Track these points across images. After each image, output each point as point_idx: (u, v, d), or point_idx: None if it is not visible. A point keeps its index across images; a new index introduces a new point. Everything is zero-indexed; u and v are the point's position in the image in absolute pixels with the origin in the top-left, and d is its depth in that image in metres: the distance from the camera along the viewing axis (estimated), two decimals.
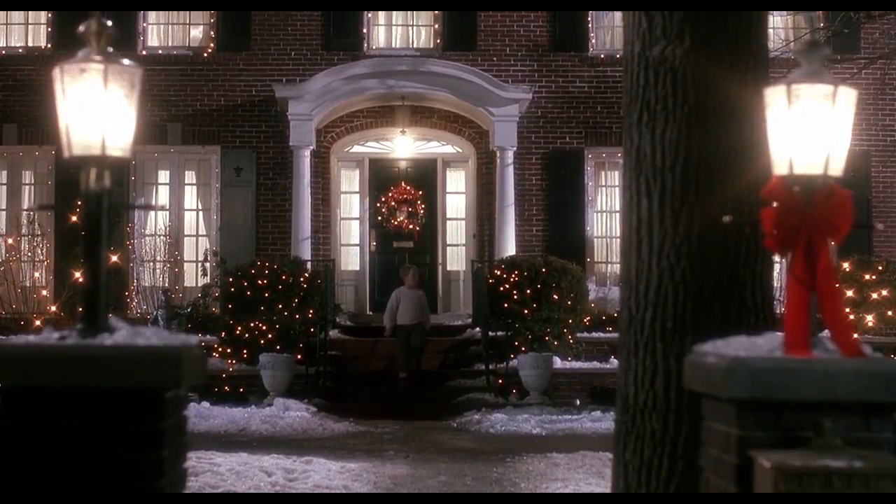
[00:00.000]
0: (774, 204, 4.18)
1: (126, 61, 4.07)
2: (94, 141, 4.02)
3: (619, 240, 20.61)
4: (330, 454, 11.83)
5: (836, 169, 4.11)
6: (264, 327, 17.72)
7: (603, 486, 9.64)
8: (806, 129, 4.09)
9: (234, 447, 12.18)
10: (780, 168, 4.21)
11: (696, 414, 4.79)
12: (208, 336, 18.23)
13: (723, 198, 5.31)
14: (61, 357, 3.76)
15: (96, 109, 4.00)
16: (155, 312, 17.50)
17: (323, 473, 10.14)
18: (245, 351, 17.67)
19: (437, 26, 21.19)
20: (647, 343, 5.29)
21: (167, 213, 21.07)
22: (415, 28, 21.47)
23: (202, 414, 15.21)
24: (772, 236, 4.14)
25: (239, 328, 17.87)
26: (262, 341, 17.56)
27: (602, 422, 14.97)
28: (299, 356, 17.46)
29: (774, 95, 4.18)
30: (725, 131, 5.38)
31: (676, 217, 5.30)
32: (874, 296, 18.85)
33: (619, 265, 20.52)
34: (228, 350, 17.88)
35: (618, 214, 20.95)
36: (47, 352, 3.78)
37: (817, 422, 3.80)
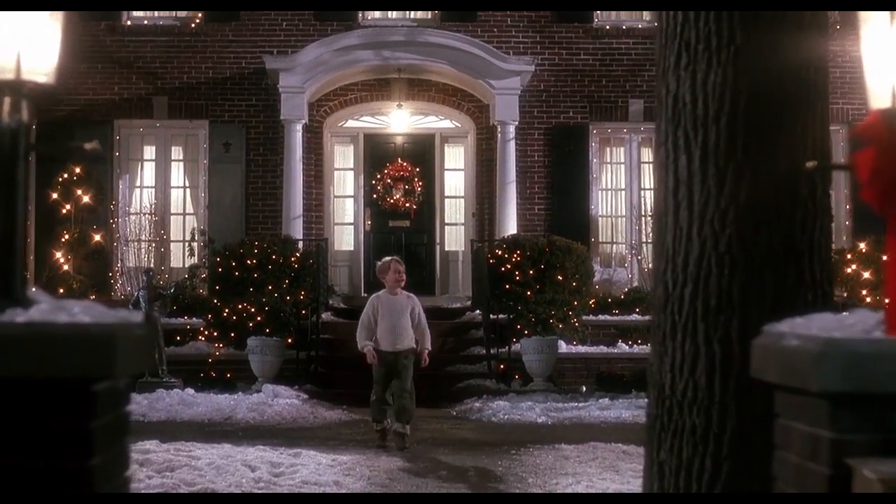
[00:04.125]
0: (871, 146, 3.30)
1: None
2: (8, 62, 3.13)
3: (623, 218, 20.15)
4: (321, 445, 11.08)
5: None
6: (253, 309, 16.97)
7: (619, 481, 8.87)
8: None
9: (218, 437, 11.39)
10: (879, 100, 3.32)
11: (745, 407, 4.37)
12: (195, 319, 17.51)
13: (776, 153, 4.61)
14: None
15: (9, 24, 3.11)
16: (136, 293, 16.64)
17: (312, 468, 9.30)
18: (233, 334, 16.97)
19: None
20: (686, 324, 4.61)
21: (153, 190, 20.27)
22: None
23: (186, 401, 14.45)
24: (870, 186, 3.24)
25: (226, 310, 17.11)
26: (251, 324, 16.82)
27: (611, 410, 14.27)
28: (290, 340, 16.77)
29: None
30: (781, 73, 4.62)
31: (721, 176, 4.58)
32: None
33: (624, 245, 20.18)
34: (215, 333, 17.16)
35: (623, 193, 20.32)
36: None
37: None
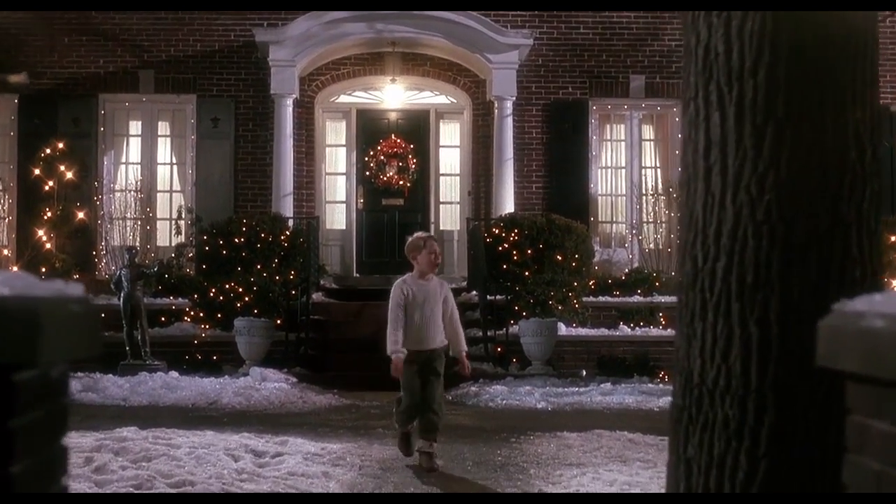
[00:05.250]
0: None
1: None
2: None
3: (624, 197, 19.58)
4: (309, 432, 10.54)
5: None
6: (241, 289, 16.41)
7: (626, 472, 8.31)
8: None
9: (201, 424, 10.86)
10: None
11: (785, 398, 3.96)
12: (180, 299, 16.96)
13: (821, 109, 4.10)
14: None
15: None
16: (118, 272, 16.03)
17: (299, 457, 8.72)
18: (219, 315, 16.42)
19: None
20: (718, 303, 4.14)
21: (139, 166, 19.70)
22: None
23: (169, 385, 13.91)
24: None
25: (213, 290, 16.54)
26: (239, 305, 16.27)
27: (613, 395, 13.76)
28: (279, 321, 16.18)
29: None
30: (826, 19, 4.13)
31: (759, 136, 4.11)
32: None
33: (624, 225, 19.61)
34: (201, 314, 16.62)
35: (624, 171, 19.83)
36: None
37: None
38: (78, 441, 8.78)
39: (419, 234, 9.28)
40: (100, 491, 7.11)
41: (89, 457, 8.09)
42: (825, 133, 4.07)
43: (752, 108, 4.10)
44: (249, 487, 7.46)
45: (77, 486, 7.15)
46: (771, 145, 4.06)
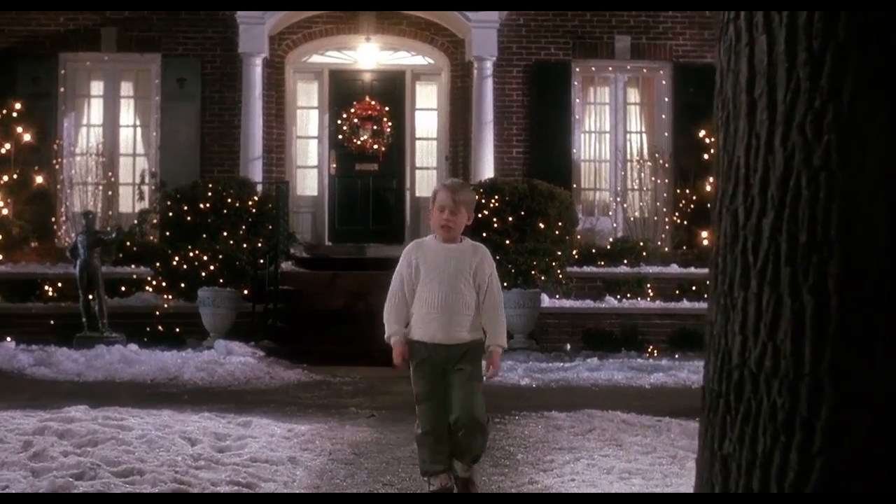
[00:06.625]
0: None
1: None
2: None
3: (608, 163, 18.82)
4: (276, 412, 9.80)
5: None
6: (206, 258, 15.71)
7: (624, 458, 7.56)
8: None
9: (159, 402, 10.09)
10: None
11: (847, 383, 3.32)
12: (143, 268, 16.19)
13: (892, 32, 3.39)
14: None
15: None
16: (74, 238, 15.20)
17: (264, 440, 7.91)
18: (183, 285, 15.76)
19: None
20: (764, 267, 3.51)
21: (101, 129, 18.88)
22: None
23: (128, 358, 13.13)
24: None
25: (176, 258, 15.80)
26: (203, 274, 15.61)
27: (601, 371, 13.15)
28: (246, 291, 15.55)
29: None
30: None
31: (817, 63, 3.42)
32: None
33: (608, 192, 18.87)
34: (164, 284, 15.88)
35: (608, 136, 19.25)
36: None
37: None
38: (20, 422, 8.02)
39: (447, 181, 6.31)
40: (35, 481, 6.28)
41: (29, 440, 7.26)
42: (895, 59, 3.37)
43: (806, 29, 3.42)
44: (206, 476, 6.63)
45: (9, 474, 6.33)
46: (830, 74, 3.38)
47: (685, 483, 6.66)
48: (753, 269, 3.52)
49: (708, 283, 3.84)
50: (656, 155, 18.67)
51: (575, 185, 18.69)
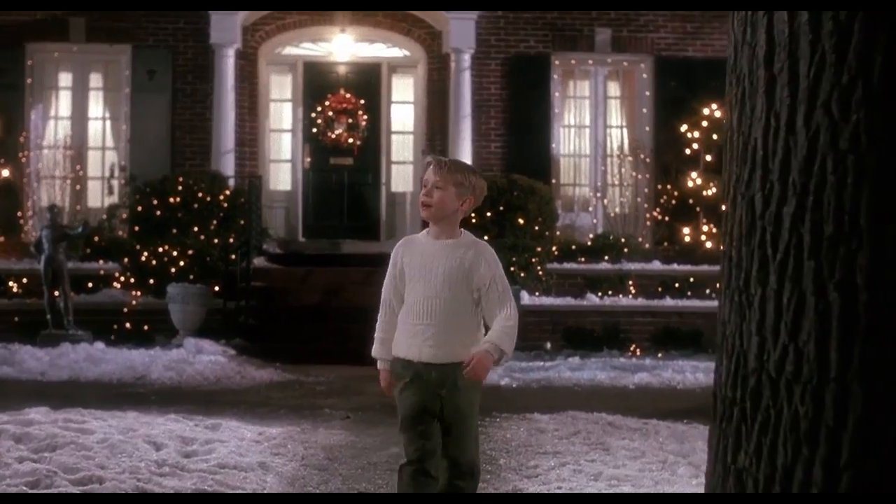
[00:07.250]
0: None
1: None
2: None
3: (588, 158, 18.47)
4: (246, 413, 9.51)
5: None
6: (175, 253, 15.40)
7: (611, 463, 7.26)
8: None
9: (124, 403, 9.76)
10: None
11: (877, 389, 3.04)
12: (111, 263, 15.80)
13: None
14: None
15: None
16: (39, 233, 14.78)
17: (233, 445, 7.55)
18: (152, 281, 15.39)
19: None
20: (785, 261, 3.21)
21: (69, 121, 18.42)
22: None
23: (94, 357, 12.81)
24: None
25: (145, 254, 15.43)
26: (173, 269, 15.33)
27: (583, 371, 12.91)
28: (216, 288, 15.22)
29: None
30: None
31: (844, 32, 3.10)
32: None
33: (588, 188, 18.52)
34: (132, 280, 15.51)
35: (588, 130, 18.91)
36: None
37: None
38: None
39: (430, 155, 5.25)
40: None
41: None
42: None
43: None
44: (170, 484, 6.27)
45: None
46: (859, 45, 3.08)
47: (677, 491, 6.33)
48: (773, 263, 3.23)
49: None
50: (637, 150, 18.37)
51: (554, 181, 18.37)
